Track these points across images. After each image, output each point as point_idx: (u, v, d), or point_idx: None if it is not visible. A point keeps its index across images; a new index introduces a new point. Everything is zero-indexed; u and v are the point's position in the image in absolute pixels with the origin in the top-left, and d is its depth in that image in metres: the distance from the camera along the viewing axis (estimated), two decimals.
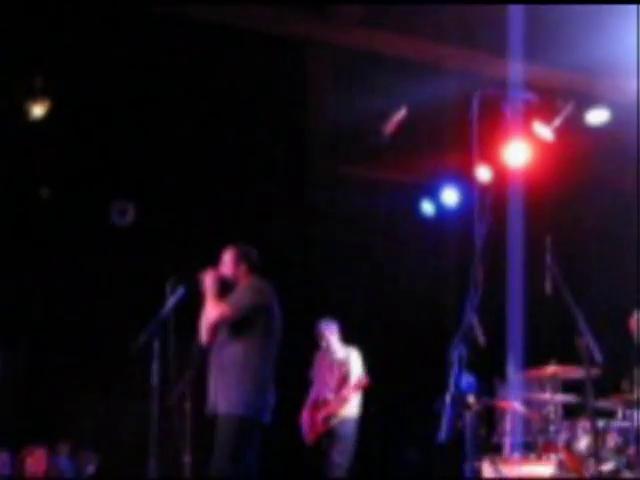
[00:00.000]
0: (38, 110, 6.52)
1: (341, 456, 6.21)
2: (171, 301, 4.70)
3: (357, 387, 6.38)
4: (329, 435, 6.29)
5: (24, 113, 6.55)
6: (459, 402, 2.74)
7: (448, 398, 2.77)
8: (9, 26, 5.92)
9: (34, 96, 6.49)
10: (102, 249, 7.19)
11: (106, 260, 7.13)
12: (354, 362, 6.42)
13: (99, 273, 7.14)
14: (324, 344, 6.53)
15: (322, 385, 6.47)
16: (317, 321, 6.59)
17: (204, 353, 4.91)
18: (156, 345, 4.60)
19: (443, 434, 2.69)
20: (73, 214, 7.20)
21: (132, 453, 6.27)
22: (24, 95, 6.51)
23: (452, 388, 2.77)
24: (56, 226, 7.17)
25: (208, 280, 4.71)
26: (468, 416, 2.80)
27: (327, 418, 6.31)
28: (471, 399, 2.81)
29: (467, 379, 2.82)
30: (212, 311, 4.65)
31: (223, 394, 4.59)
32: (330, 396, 6.36)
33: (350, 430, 6.27)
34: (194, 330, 4.88)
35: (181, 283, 4.76)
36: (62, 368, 7.10)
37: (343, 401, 6.31)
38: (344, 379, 6.37)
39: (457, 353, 2.85)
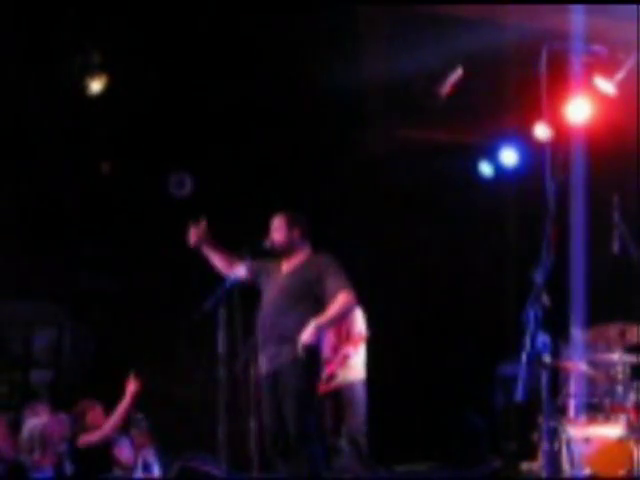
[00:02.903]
0: (96, 86, 6.60)
1: (356, 422, 6.06)
2: (239, 270, 4.76)
3: (357, 342, 6.13)
4: (337, 402, 6.12)
5: (82, 89, 6.65)
6: (535, 362, 2.73)
7: (524, 358, 2.75)
8: (65, 3, 5.99)
9: (92, 72, 6.57)
10: (162, 221, 7.29)
11: (166, 231, 7.23)
12: (356, 319, 6.17)
13: (160, 244, 7.25)
14: None
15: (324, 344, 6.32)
16: None
17: None
18: (222, 313, 4.67)
19: (520, 394, 2.67)
20: (133, 187, 7.30)
21: (200, 420, 6.41)
22: (82, 71, 6.60)
23: (528, 348, 2.75)
24: (117, 199, 7.30)
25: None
26: (544, 376, 2.78)
27: (329, 378, 6.08)
28: (547, 359, 2.78)
29: (543, 338, 2.79)
30: (340, 309, 4.67)
31: (290, 349, 4.67)
32: (330, 355, 6.09)
33: (359, 394, 6.11)
34: (258, 298, 4.94)
35: (247, 255, 4.81)
36: (130, 338, 7.26)
37: (344, 359, 6.09)
38: (345, 337, 6.14)
39: (532, 313, 2.82)
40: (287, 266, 4.90)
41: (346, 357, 6.15)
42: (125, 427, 5.79)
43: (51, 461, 4.85)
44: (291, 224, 4.88)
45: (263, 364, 4.80)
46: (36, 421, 5.03)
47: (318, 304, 4.72)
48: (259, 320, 4.84)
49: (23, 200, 7.06)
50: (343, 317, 4.81)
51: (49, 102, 6.72)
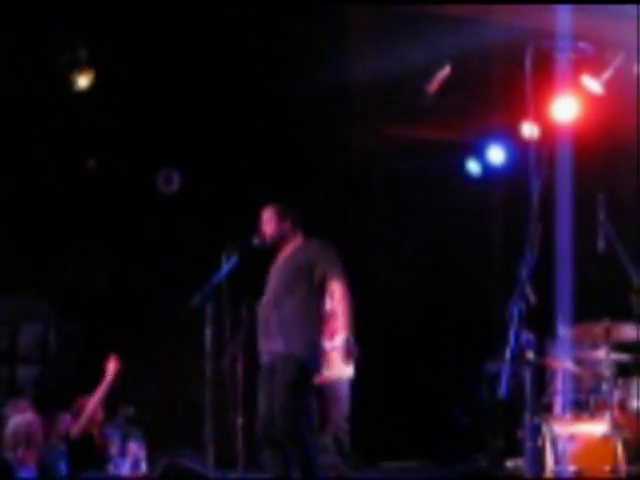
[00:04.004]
0: (83, 81, 6.58)
1: (338, 419, 6.00)
2: (225, 268, 4.77)
3: (332, 334, 5.87)
4: (321, 398, 5.96)
5: (69, 84, 6.61)
6: (519, 359, 2.73)
7: (507, 355, 2.76)
8: None
9: (79, 67, 6.54)
10: (149, 217, 7.27)
11: (153, 227, 7.22)
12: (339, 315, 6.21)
13: (147, 241, 7.23)
14: None
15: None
16: None
17: (254, 317, 4.98)
18: (209, 310, 4.68)
19: (503, 391, 2.68)
20: (119, 183, 7.27)
21: (187, 417, 6.40)
22: (69, 66, 6.56)
23: (512, 344, 2.76)
24: (103, 196, 7.26)
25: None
26: (528, 373, 2.79)
27: None
28: (530, 355, 2.79)
29: (526, 335, 2.80)
30: (345, 299, 4.77)
31: (285, 341, 4.70)
32: None
33: (342, 392, 6.05)
34: (245, 295, 4.95)
35: (235, 251, 4.83)
36: (115, 336, 7.23)
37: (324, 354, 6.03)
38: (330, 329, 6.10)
39: (516, 309, 2.83)
40: (281, 257, 4.96)
41: (326, 351, 6.14)
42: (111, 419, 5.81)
43: (35, 459, 4.84)
44: (282, 216, 4.94)
45: (263, 354, 4.84)
46: (21, 418, 5.01)
47: (312, 290, 4.76)
48: (259, 312, 4.89)
49: (8, 196, 7.02)
50: (350, 307, 4.81)
51: (35, 97, 6.69)
